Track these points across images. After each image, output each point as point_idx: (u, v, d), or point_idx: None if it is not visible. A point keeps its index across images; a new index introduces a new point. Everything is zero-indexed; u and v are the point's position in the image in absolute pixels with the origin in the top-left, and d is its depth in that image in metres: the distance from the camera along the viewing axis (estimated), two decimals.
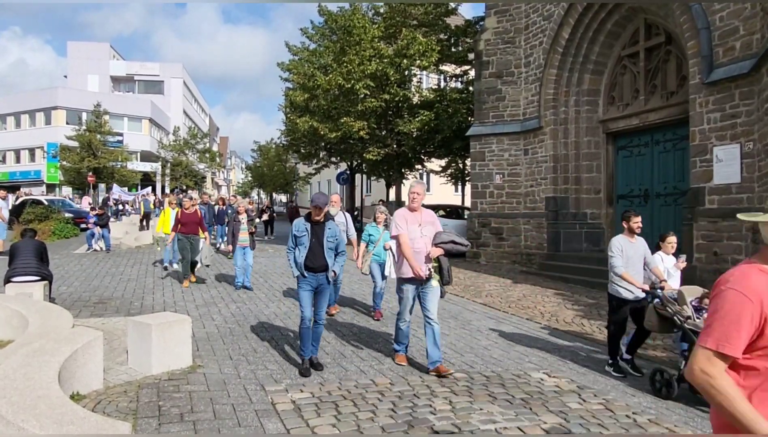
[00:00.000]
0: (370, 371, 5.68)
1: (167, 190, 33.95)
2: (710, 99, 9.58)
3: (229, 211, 16.51)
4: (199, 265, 11.11)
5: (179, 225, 10.34)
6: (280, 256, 15.03)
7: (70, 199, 31.83)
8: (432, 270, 5.57)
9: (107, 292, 9.91)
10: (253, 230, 10.37)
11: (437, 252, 5.55)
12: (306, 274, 5.54)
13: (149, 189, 37.46)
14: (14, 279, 7.74)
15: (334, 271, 5.69)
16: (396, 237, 5.68)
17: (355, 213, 25.93)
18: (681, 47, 10.74)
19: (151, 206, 25.60)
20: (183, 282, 10.48)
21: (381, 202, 19.70)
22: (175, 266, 12.13)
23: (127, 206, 34.50)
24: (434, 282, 5.58)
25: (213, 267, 12.68)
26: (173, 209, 11.81)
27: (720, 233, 9.33)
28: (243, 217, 10.26)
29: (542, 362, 6.17)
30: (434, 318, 5.64)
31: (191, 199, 11.42)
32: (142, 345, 5.40)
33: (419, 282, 5.56)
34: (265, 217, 23.05)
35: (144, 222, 22.73)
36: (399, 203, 22.44)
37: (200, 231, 10.74)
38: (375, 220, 8.37)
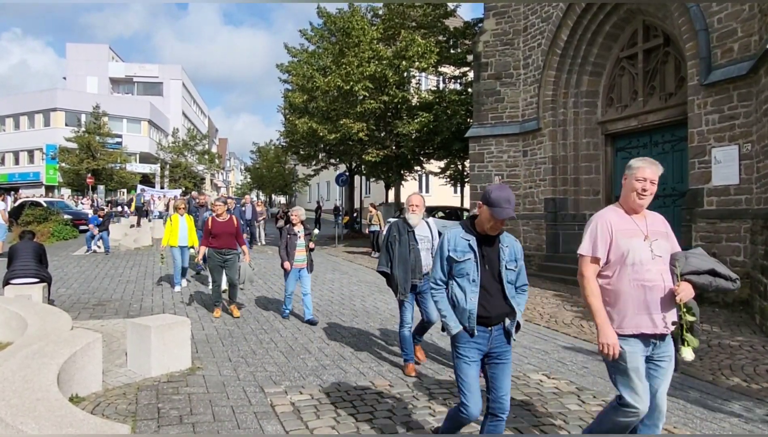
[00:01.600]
0: (369, 373, 5.68)
1: (176, 193, 32.90)
2: (708, 100, 9.59)
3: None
4: (240, 286, 8.54)
5: (210, 238, 8.13)
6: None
7: (79, 201, 31.76)
8: (684, 324, 3.07)
9: (106, 294, 9.91)
10: (312, 246, 8.05)
11: (689, 292, 3.08)
12: (477, 330, 3.24)
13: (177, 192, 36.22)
14: (13, 281, 7.74)
15: (518, 324, 3.37)
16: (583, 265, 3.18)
17: (354, 215, 25.93)
18: (679, 49, 10.76)
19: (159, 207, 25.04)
20: (214, 310, 8.22)
21: (372, 206, 19.63)
22: (183, 283, 10.65)
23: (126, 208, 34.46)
24: (686, 354, 3.09)
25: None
26: (182, 215, 10.33)
27: (719, 234, 9.34)
28: (299, 230, 7.88)
29: (541, 363, 6.17)
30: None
31: (224, 202, 8.71)
32: (141, 347, 5.40)
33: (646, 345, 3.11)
34: (281, 222, 20.07)
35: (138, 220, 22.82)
36: (398, 204, 22.47)
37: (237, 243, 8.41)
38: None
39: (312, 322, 7.72)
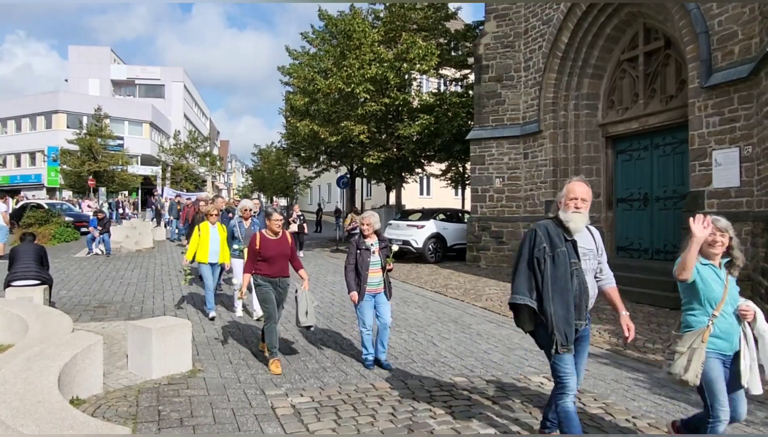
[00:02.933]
0: (370, 375, 5.68)
1: (202, 193, 30.56)
2: (709, 103, 9.60)
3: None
4: (303, 321, 6.02)
5: (259, 262, 5.99)
6: None
7: (79, 204, 31.74)
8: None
9: (107, 296, 9.92)
10: (391, 267, 6.05)
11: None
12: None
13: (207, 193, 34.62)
14: (14, 283, 7.76)
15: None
16: None
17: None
18: (680, 51, 10.77)
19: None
20: (270, 363, 5.81)
21: (354, 211, 19.25)
22: (239, 311, 8.54)
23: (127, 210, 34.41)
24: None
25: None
26: (213, 224, 8.44)
27: None
28: (373, 243, 5.98)
29: (542, 366, 6.17)
30: None
31: (280, 211, 7.27)
32: (142, 350, 5.40)
33: None
34: (293, 227, 16.25)
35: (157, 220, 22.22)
36: (399, 206, 22.48)
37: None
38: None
39: (387, 367, 5.89)
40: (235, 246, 8.28)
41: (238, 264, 8.11)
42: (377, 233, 6.07)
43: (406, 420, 4.46)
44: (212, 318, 8.10)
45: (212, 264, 8.36)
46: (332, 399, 4.91)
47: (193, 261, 8.35)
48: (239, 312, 8.53)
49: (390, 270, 6.04)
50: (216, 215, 8.68)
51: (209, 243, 8.28)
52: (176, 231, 21.16)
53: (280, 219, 6.09)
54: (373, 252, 5.90)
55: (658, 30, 11.68)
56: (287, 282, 6.18)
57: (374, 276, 5.86)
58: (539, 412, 4.71)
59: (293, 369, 5.79)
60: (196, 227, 8.48)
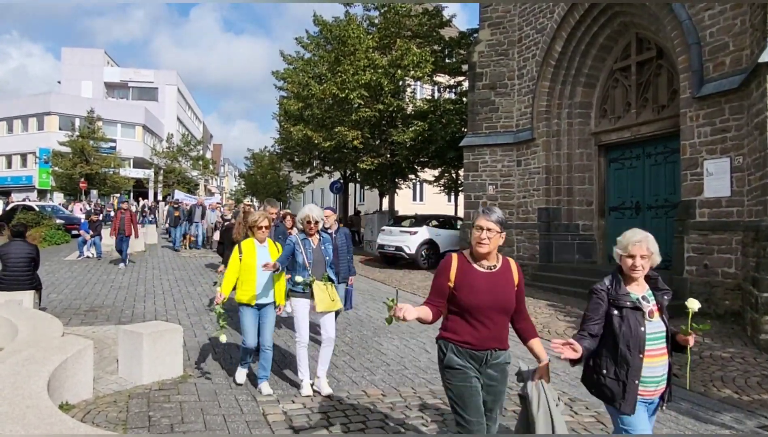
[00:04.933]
0: (361, 382, 5.66)
1: (226, 198, 27.44)
2: (701, 113, 9.68)
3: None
4: None
5: (453, 316, 3.17)
6: None
7: (74, 206, 31.43)
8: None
9: (98, 300, 9.84)
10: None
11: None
12: None
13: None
14: (6, 291, 7.66)
15: None
16: None
17: (350, 223, 25.93)
18: (672, 62, 10.87)
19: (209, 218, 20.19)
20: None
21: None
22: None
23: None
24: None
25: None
26: (262, 244, 5.43)
27: (710, 246, 9.40)
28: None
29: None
30: None
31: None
32: (133, 355, 5.37)
33: None
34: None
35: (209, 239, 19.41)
36: (392, 212, 22.48)
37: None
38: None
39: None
40: (299, 279, 5.20)
41: (302, 309, 5.23)
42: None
43: (397, 427, 4.44)
44: (239, 384, 5.44)
45: (260, 307, 5.26)
46: (324, 405, 4.89)
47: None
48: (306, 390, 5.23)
49: None
50: (267, 228, 5.45)
51: (256, 273, 5.18)
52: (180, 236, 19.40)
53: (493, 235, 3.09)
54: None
55: (651, 40, 11.79)
56: (504, 358, 3.40)
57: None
58: None
59: (285, 376, 5.77)
60: (236, 247, 5.41)
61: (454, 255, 3.19)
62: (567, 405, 5.12)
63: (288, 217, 8.80)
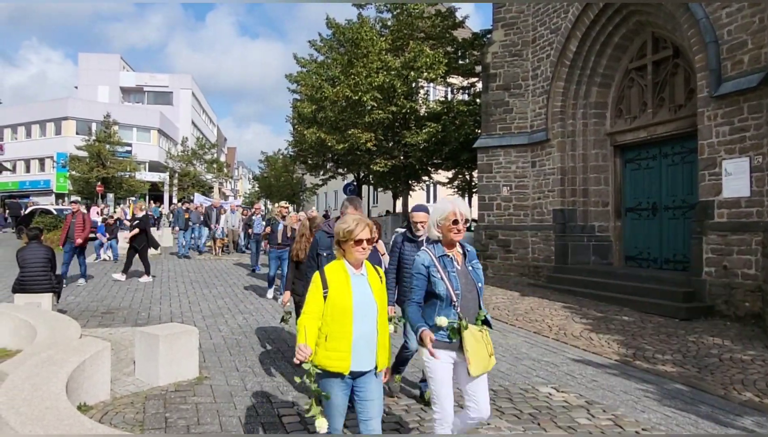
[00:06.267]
0: None
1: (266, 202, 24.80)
2: (719, 112, 9.55)
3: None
4: None
5: None
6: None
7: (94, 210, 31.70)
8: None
9: (114, 302, 9.94)
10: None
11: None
12: None
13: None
14: (25, 293, 7.79)
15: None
16: None
17: None
18: (689, 61, 10.73)
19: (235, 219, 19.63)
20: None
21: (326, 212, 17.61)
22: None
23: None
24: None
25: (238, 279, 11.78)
26: (359, 270, 3.20)
27: (730, 247, 9.26)
28: None
29: (550, 376, 6.12)
30: None
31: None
32: (149, 356, 5.40)
33: None
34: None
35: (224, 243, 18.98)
36: (405, 214, 22.46)
37: None
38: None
39: None
40: (441, 322, 3.31)
41: (443, 369, 3.35)
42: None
43: (413, 430, 4.42)
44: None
45: (356, 375, 3.16)
46: None
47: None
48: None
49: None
50: (370, 244, 3.22)
51: (353, 321, 3.10)
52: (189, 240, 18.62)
53: None
54: None
55: (667, 39, 11.66)
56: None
57: None
58: (547, 423, 4.67)
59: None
60: (315, 278, 3.22)
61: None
62: (584, 408, 5.06)
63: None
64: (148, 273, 12.53)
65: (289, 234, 10.59)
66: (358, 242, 3.13)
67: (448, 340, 3.31)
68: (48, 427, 3.18)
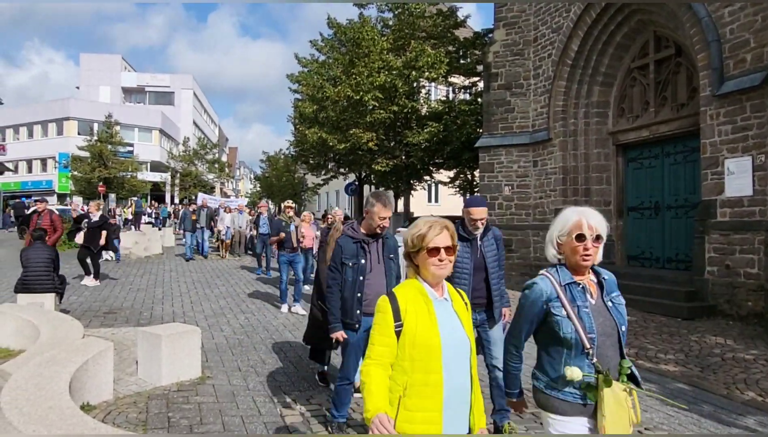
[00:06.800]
0: None
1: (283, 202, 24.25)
2: (721, 111, 9.53)
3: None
4: None
5: None
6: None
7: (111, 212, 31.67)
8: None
9: (117, 302, 9.95)
10: None
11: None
12: None
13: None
14: (28, 292, 7.81)
15: None
16: None
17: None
18: (691, 59, 10.72)
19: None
20: None
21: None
22: None
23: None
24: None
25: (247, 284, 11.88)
26: (442, 297, 2.29)
27: (732, 246, 9.24)
28: None
29: None
30: None
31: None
32: (152, 356, 5.41)
33: None
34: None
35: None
36: (407, 214, 22.46)
37: None
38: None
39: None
40: (572, 375, 2.40)
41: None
42: None
43: None
44: None
45: None
46: None
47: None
48: None
49: None
50: (448, 253, 2.25)
51: (442, 367, 2.16)
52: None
53: None
54: None
55: (669, 38, 11.64)
56: None
57: None
58: None
59: (302, 377, 5.77)
60: (383, 305, 2.23)
61: None
62: None
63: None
64: (96, 276, 11.80)
65: (300, 237, 9.86)
66: (434, 251, 2.21)
67: (581, 402, 2.39)
68: (51, 427, 3.19)
